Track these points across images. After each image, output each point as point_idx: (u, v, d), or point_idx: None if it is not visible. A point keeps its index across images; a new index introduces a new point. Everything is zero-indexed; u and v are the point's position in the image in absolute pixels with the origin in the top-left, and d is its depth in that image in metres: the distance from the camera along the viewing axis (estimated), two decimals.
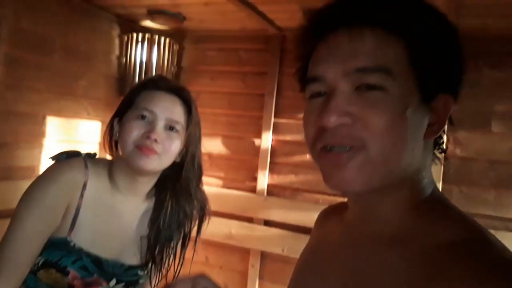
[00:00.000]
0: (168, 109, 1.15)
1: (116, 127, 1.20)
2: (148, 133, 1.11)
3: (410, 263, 0.55)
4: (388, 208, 0.61)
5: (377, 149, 0.55)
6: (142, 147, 1.10)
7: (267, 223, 2.62)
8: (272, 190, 2.64)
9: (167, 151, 1.14)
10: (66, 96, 2.46)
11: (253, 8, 2.22)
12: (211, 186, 2.76)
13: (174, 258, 1.28)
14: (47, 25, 2.29)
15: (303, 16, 0.62)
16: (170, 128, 1.15)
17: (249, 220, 2.65)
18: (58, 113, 2.42)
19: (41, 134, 2.33)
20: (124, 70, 2.78)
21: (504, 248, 0.52)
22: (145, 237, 1.22)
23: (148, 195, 1.25)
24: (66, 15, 2.40)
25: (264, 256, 2.64)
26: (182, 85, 1.25)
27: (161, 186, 1.25)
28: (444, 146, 0.67)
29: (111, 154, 1.23)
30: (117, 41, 2.81)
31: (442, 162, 2.14)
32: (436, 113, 0.59)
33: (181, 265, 1.29)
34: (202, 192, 1.31)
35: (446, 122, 0.60)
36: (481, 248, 0.51)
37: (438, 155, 0.66)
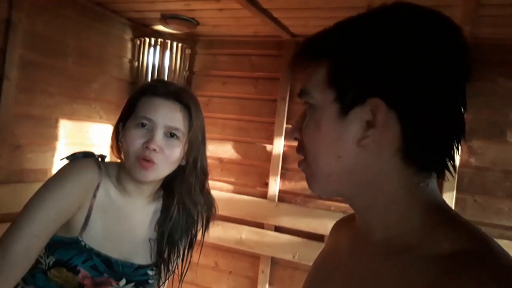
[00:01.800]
0: (167, 116, 1.14)
1: (121, 132, 1.20)
2: (147, 143, 1.11)
3: (408, 273, 0.55)
4: (381, 216, 0.63)
5: (309, 159, 0.65)
6: (140, 160, 1.11)
7: (278, 229, 2.61)
8: (284, 196, 2.63)
9: (167, 159, 1.14)
10: (79, 99, 2.47)
11: (268, 14, 2.22)
12: (222, 191, 2.76)
13: (182, 259, 1.29)
14: (61, 29, 2.30)
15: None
16: (171, 135, 1.15)
17: (260, 226, 2.65)
18: (71, 116, 2.42)
19: (54, 137, 2.34)
20: (136, 74, 2.79)
21: (507, 257, 0.51)
22: (154, 240, 1.24)
23: (155, 196, 1.26)
24: (80, 19, 2.41)
25: (274, 262, 2.64)
26: (183, 89, 1.23)
27: (168, 189, 1.26)
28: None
29: (119, 157, 1.24)
30: (129, 45, 2.82)
31: (456, 171, 2.11)
32: (366, 119, 0.59)
33: (189, 265, 1.30)
34: (207, 195, 1.31)
35: (380, 127, 0.58)
36: (483, 258, 0.51)
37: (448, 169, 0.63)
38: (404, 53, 0.57)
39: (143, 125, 1.13)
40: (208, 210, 1.30)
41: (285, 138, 2.63)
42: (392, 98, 0.57)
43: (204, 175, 1.26)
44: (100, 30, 2.56)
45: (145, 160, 1.11)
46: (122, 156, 1.19)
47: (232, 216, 2.68)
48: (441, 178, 0.63)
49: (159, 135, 1.13)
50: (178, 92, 1.19)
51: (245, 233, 2.64)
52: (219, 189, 2.76)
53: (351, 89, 0.60)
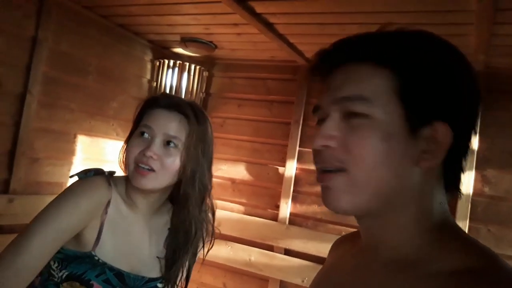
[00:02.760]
0: (165, 125, 1.16)
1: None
2: (144, 151, 1.13)
3: None
4: (394, 234, 0.62)
5: (356, 172, 0.59)
6: (138, 167, 1.13)
7: (288, 252, 2.60)
8: (294, 219, 2.62)
9: (164, 167, 1.14)
10: (97, 116, 2.53)
11: (284, 39, 2.27)
12: (233, 211, 2.77)
13: (188, 273, 1.32)
14: (84, 48, 2.38)
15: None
16: (168, 143, 1.16)
17: (270, 248, 2.64)
18: (89, 132, 2.49)
19: (71, 152, 2.39)
20: (155, 94, 2.85)
21: None
22: (163, 257, 1.25)
23: (163, 209, 1.28)
24: (103, 40, 2.50)
25: (283, 285, 2.61)
26: (186, 101, 1.24)
27: (176, 204, 1.27)
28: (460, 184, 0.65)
29: (126, 172, 1.26)
30: (149, 66, 2.90)
31: (470, 199, 2.09)
32: (431, 141, 0.59)
33: (189, 278, 1.33)
34: (207, 210, 1.30)
35: (444, 152, 0.59)
36: (494, 276, 0.51)
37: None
38: (458, 78, 0.60)
39: (143, 133, 1.16)
40: (208, 226, 1.31)
41: (298, 161, 2.65)
42: (454, 123, 0.59)
43: (203, 189, 1.25)
44: (121, 50, 2.65)
45: (143, 167, 1.12)
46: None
47: (242, 237, 2.68)
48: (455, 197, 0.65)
49: (157, 143, 1.14)
50: (179, 103, 1.21)
51: (255, 255, 2.63)
52: (230, 210, 2.77)
53: (422, 108, 0.58)
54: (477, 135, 2.16)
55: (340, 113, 0.61)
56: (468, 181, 2.18)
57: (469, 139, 0.62)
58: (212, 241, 1.33)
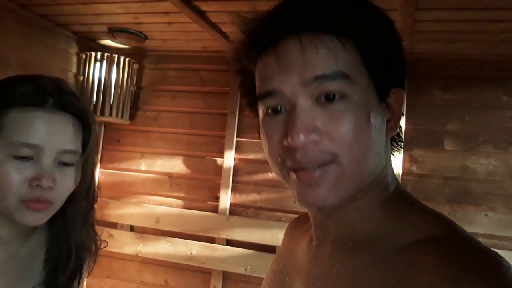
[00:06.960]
0: (57, 137, 0.83)
1: None
2: (37, 181, 0.80)
3: (377, 267, 0.53)
4: (354, 213, 0.59)
5: (348, 160, 0.54)
6: (30, 204, 0.81)
7: (230, 242, 2.59)
8: (235, 209, 2.62)
9: (63, 193, 0.87)
10: None
11: (217, 29, 2.25)
12: (171, 206, 2.71)
13: None
14: (2, 40, 2.20)
15: (240, 21, 0.58)
16: (63, 163, 0.85)
17: (211, 240, 2.62)
18: None
19: None
20: (82, 89, 2.71)
21: (475, 240, 0.51)
22: (41, 282, 0.95)
23: (34, 231, 0.96)
24: (22, 31, 2.32)
25: (226, 276, 2.60)
26: (70, 93, 0.87)
27: (51, 221, 0.94)
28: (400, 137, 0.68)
29: None
30: (75, 59, 2.75)
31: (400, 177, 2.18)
32: (391, 109, 0.59)
33: None
34: (92, 226, 1.04)
35: (400, 116, 0.60)
36: (455, 242, 0.51)
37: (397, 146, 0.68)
38: (400, 40, 0.60)
39: (21, 156, 0.81)
40: (92, 244, 1.04)
41: (236, 151, 2.65)
42: (403, 85, 0.60)
43: (93, 200, 1.00)
44: (43, 43, 2.48)
45: (36, 202, 0.82)
46: None
47: (182, 231, 2.63)
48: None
49: (49, 164, 0.83)
50: (65, 98, 0.85)
51: (196, 248, 2.60)
52: (169, 205, 2.71)
53: (385, 77, 0.57)
54: (404, 117, 2.29)
55: (311, 98, 0.54)
56: (397, 162, 2.30)
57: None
58: (95, 260, 1.05)
